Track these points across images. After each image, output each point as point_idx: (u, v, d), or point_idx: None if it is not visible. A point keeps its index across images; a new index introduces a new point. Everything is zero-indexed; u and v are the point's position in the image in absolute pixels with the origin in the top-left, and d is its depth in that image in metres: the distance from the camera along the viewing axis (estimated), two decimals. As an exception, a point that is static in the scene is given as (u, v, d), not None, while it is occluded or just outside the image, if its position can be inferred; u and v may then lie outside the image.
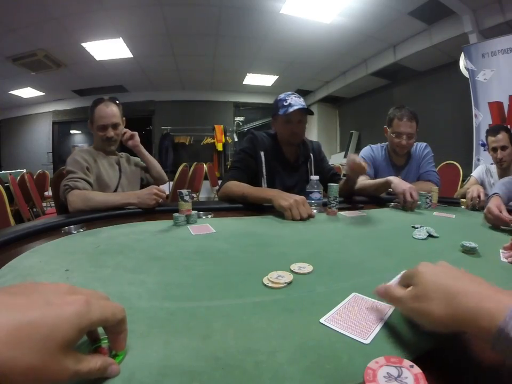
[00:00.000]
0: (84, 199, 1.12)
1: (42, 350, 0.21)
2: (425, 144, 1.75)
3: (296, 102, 1.33)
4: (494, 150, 1.83)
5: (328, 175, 1.50)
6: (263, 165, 1.38)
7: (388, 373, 0.24)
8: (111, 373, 0.27)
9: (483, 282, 0.31)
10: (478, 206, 1.27)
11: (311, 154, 1.49)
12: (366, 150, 1.81)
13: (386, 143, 1.78)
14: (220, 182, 6.50)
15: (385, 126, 1.71)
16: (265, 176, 1.38)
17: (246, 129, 7.02)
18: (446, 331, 0.30)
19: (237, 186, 1.24)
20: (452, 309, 0.29)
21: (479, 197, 1.27)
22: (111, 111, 1.36)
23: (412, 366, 0.25)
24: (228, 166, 6.68)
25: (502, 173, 1.87)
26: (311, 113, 1.39)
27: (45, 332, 0.21)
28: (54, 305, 0.23)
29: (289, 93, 1.38)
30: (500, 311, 0.26)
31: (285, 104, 1.33)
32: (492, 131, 1.90)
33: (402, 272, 0.40)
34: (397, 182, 1.30)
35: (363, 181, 1.61)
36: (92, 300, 0.26)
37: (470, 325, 0.28)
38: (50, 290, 0.26)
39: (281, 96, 1.38)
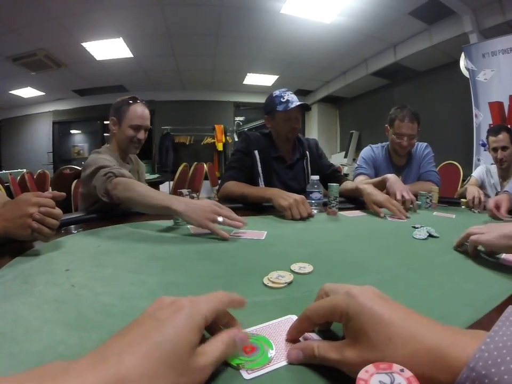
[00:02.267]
0: (126, 186, 0.89)
1: (175, 365, 0.22)
2: (425, 144, 1.75)
3: (293, 98, 1.34)
4: (495, 150, 1.83)
5: (328, 171, 1.50)
6: (259, 163, 1.39)
7: (380, 381, 0.24)
8: (241, 343, 0.28)
9: (432, 322, 0.25)
10: (477, 209, 1.27)
11: (307, 152, 1.49)
12: (366, 150, 1.80)
13: (387, 142, 1.78)
14: (220, 181, 6.53)
15: (386, 125, 1.71)
16: (261, 175, 1.39)
17: (246, 129, 7.02)
18: None
19: (236, 186, 1.24)
20: (415, 366, 0.23)
21: (474, 199, 1.28)
22: (147, 114, 1.32)
23: (402, 370, 0.25)
24: (228, 166, 6.69)
25: (502, 173, 1.87)
26: (309, 108, 1.41)
27: (171, 348, 0.22)
28: (165, 320, 0.24)
29: (284, 89, 1.39)
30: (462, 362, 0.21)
31: (283, 100, 1.34)
32: (493, 131, 1.90)
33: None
34: (393, 181, 1.27)
35: (362, 181, 1.61)
36: (194, 298, 0.27)
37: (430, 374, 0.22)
38: (155, 308, 0.27)
39: (276, 93, 1.38)
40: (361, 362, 0.24)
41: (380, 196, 1.14)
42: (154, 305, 0.27)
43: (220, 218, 0.74)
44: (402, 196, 1.19)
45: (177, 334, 0.23)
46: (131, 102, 1.30)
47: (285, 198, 1.01)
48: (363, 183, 1.56)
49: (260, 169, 1.39)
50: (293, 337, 0.32)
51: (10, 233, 0.61)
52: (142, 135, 1.31)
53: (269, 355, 0.30)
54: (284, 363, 0.30)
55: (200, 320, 0.25)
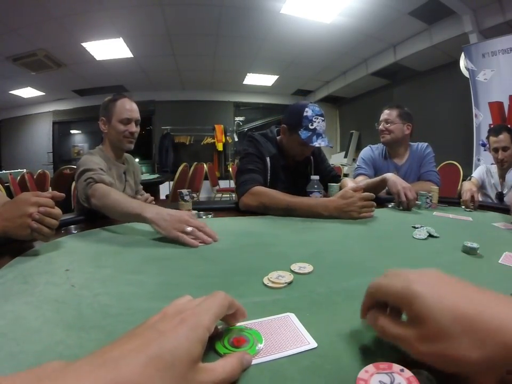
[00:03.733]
0: (103, 193, 0.90)
1: (174, 378, 0.21)
2: (426, 144, 1.75)
3: (321, 128, 1.21)
4: (496, 150, 1.83)
5: (329, 176, 1.47)
6: (269, 171, 1.31)
7: (380, 381, 0.24)
8: (246, 365, 0.28)
9: (491, 294, 0.25)
10: (472, 208, 1.27)
11: (311, 157, 1.47)
12: (366, 151, 1.82)
13: None
14: (220, 182, 6.48)
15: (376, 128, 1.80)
16: (268, 183, 1.31)
17: (246, 129, 7.02)
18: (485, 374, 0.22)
19: (274, 196, 1.07)
20: (488, 350, 0.21)
21: (473, 198, 1.28)
22: (135, 107, 1.31)
23: (402, 370, 0.25)
24: (228, 166, 6.69)
25: (503, 173, 1.87)
26: (331, 146, 1.35)
27: (170, 360, 0.22)
28: (166, 332, 0.23)
29: (318, 111, 1.22)
30: None
31: (310, 127, 1.19)
32: (494, 131, 1.90)
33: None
34: (393, 180, 1.27)
35: (361, 181, 1.61)
36: (197, 309, 0.27)
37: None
38: (156, 320, 0.26)
39: (308, 112, 1.20)
40: (425, 336, 0.24)
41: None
42: (157, 316, 0.27)
43: (189, 229, 0.70)
44: (407, 196, 1.19)
45: (177, 346, 0.22)
46: (116, 98, 1.30)
47: (347, 210, 0.99)
48: (362, 183, 1.56)
49: (269, 176, 1.31)
50: (364, 314, 0.33)
51: (9, 233, 0.61)
52: (133, 127, 1.29)
53: (257, 348, 0.31)
54: (271, 358, 0.30)
55: (202, 333, 0.25)
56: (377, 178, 1.40)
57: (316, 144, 1.19)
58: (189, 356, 0.23)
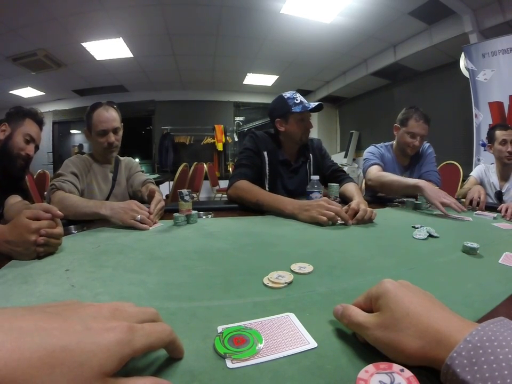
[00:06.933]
0: (61, 198, 1.01)
1: (76, 378, 0.19)
2: (428, 144, 1.74)
3: (305, 99, 1.33)
4: (504, 143, 1.83)
5: (327, 172, 1.45)
6: (267, 165, 1.35)
7: (380, 381, 0.24)
8: None
9: (446, 309, 0.30)
10: (477, 208, 1.28)
11: (310, 155, 1.47)
12: (372, 147, 1.73)
13: (391, 142, 1.76)
14: (220, 182, 6.47)
15: (396, 124, 1.67)
16: (268, 177, 1.35)
17: (246, 129, 7.02)
18: (418, 364, 0.27)
19: (250, 190, 1.16)
20: (425, 342, 0.26)
21: (479, 197, 1.29)
22: (111, 115, 1.28)
23: (402, 370, 0.25)
24: (228, 166, 6.70)
25: (503, 172, 1.87)
26: (322, 108, 1.37)
27: (80, 359, 0.20)
28: (92, 331, 0.22)
29: (293, 92, 1.37)
30: (453, 345, 0.24)
31: (297, 102, 1.32)
32: (502, 126, 1.94)
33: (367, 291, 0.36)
34: (429, 190, 1.19)
35: (390, 175, 1.49)
36: (136, 326, 0.24)
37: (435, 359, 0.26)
38: (91, 313, 0.24)
39: (288, 94, 1.35)
40: (381, 323, 0.30)
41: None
42: (92, 307, 0.25)
43: (139, 217, 0.87)
44: (443, 203, 1.12)
45: (94, 351, 0.20)
46: (93, 108, 1.29)
47: (308, 209, 0.96)
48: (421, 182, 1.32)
49: (267, 171, 1.35)
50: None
51: (16, 257, 0.60)
52: (111, 138, 1.27)
53: (257, 348, 0.31)
54: (271, 358, 0.30)
55: (127, 353, 0.22)
56: (410, 182, 1.32)
57: (311, 106, 1.31)
58: (100, 367, 0.21)
